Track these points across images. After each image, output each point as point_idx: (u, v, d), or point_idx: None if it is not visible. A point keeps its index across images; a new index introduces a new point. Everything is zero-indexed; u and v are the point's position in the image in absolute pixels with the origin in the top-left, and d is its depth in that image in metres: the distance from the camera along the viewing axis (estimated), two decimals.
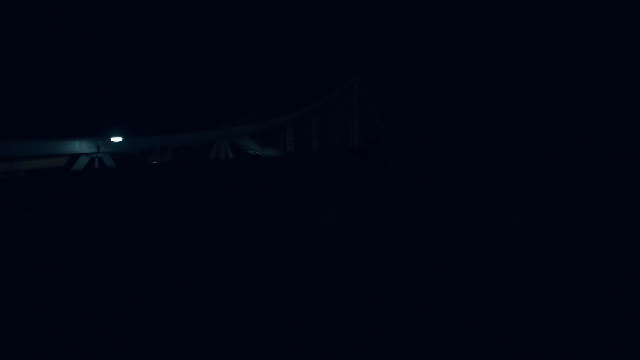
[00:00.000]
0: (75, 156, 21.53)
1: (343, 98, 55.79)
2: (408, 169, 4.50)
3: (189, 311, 3.12)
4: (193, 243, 4.01)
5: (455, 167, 4.45)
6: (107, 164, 22.70)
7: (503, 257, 3.40)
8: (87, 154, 21.74)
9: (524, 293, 3.04)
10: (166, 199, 4.69)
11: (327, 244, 3.64)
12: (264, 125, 38.60)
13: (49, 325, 3.06)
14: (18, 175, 25.49)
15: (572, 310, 2.85)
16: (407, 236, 3.67)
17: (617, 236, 3.42)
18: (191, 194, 4.84)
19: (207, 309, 3.14)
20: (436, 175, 4.31)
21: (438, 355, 2.61)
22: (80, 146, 21.54)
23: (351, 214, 3.99)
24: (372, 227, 3.80)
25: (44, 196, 5.68)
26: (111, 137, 22.30)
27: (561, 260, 3.30)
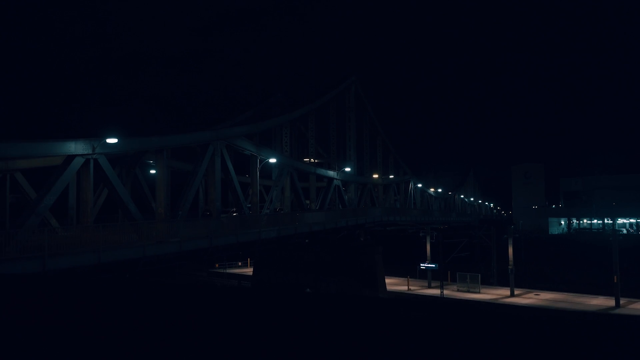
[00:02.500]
0: (71, 157, 21.71)
1: (340, 98, 55.87)
2: None
3: None
4: None
5: None
6: (102, 165, 22.92)
7: None
8: (82, 155, 21.94)
9: None
10: None
11: None
12: (260, 126, 38.62)
13: None
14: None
15: None
16: None
17: None
18: None
19: None
20: None
21: None
22: (75, 147, 21.69)
23: None
24: None
25: None
26: (106, 138, 22.45)
27: None
